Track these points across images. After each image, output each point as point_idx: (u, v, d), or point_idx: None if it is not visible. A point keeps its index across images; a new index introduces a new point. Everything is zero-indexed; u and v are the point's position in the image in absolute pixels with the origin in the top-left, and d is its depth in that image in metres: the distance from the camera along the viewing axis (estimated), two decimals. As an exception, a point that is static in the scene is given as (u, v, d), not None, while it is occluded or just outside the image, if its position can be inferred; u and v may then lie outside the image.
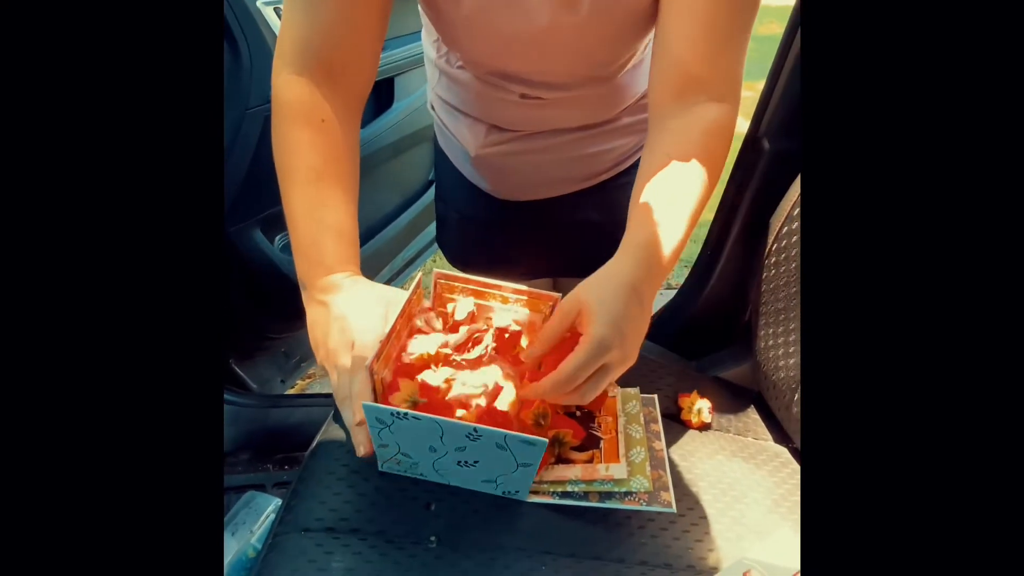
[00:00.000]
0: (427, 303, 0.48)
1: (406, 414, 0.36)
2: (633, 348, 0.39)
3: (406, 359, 0.42)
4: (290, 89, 0.44)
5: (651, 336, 0.68)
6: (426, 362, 0.42)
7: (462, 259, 0.84)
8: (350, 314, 0.40)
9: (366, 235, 1.17)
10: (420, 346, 0.42)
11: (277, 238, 1.01)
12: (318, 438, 0.49)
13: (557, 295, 0.57)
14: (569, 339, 0.40)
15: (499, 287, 0.56)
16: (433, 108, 0.72)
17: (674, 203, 0.43)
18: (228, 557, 0.66)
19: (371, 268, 1.22)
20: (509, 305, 0.57)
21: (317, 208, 0.43)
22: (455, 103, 0.66)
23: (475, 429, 0.36)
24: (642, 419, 0.47)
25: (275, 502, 0.74)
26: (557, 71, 0.56)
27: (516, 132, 0.64)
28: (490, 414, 0.40)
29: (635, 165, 0.72)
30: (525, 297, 0.56)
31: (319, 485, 0.44)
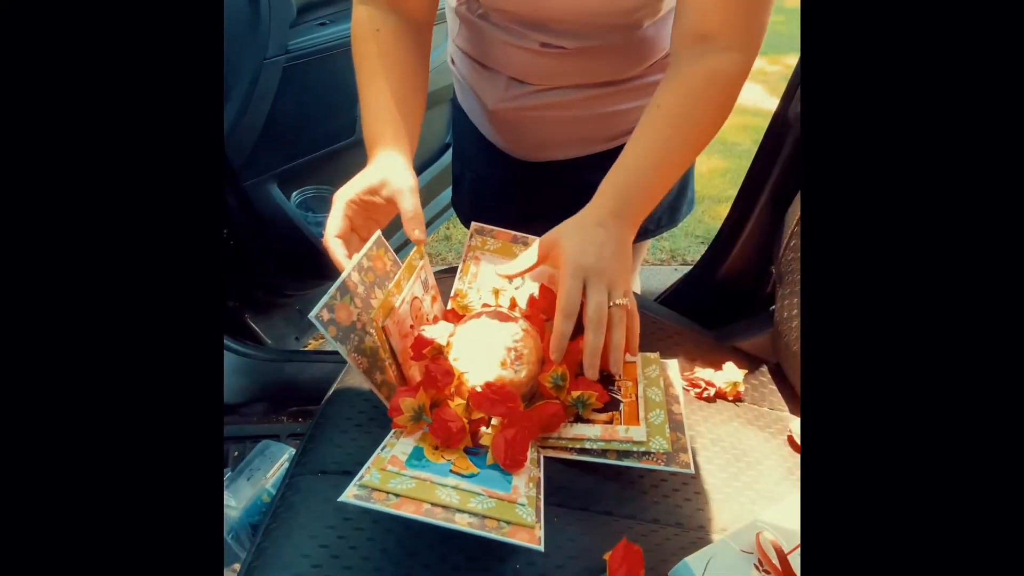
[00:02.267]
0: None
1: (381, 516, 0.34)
2: (607, 261, 0.44)
3: (424, 333, 0.44)
4: (357, 12, 0.54)
5: (669, 305, 0.67)
6: (438, 351, 0.44)
7: (476, 221, 0.83)
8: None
9: None
10: (434, 333, 0.44)
11: (294, 194, 1.00)
12: (335, 387, 0.50)
13: None
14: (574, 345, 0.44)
15: (525, 238, 0.57)
16: (453, 62, 0.70)
17: (650, 151, 0.48)
18: (243, 502, 0.68)
19: (386, 229, 1.21)
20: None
21: (363, 98, 0.54)
22: (475, 54, 0.63)
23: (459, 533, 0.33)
24: (661, 383, 0.47)
25: (289, 451, 0.75)
26: (580, 15, 0.53)
27: (535, 86, 0.61)
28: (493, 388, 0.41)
29: None
30: None
31: (336, 430, 0.44)
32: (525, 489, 0.37)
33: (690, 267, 0.82)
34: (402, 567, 0.35)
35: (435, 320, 0.50)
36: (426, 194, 1.30)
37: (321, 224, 1.12)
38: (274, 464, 0.74)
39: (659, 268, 1.77)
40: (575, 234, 0.46)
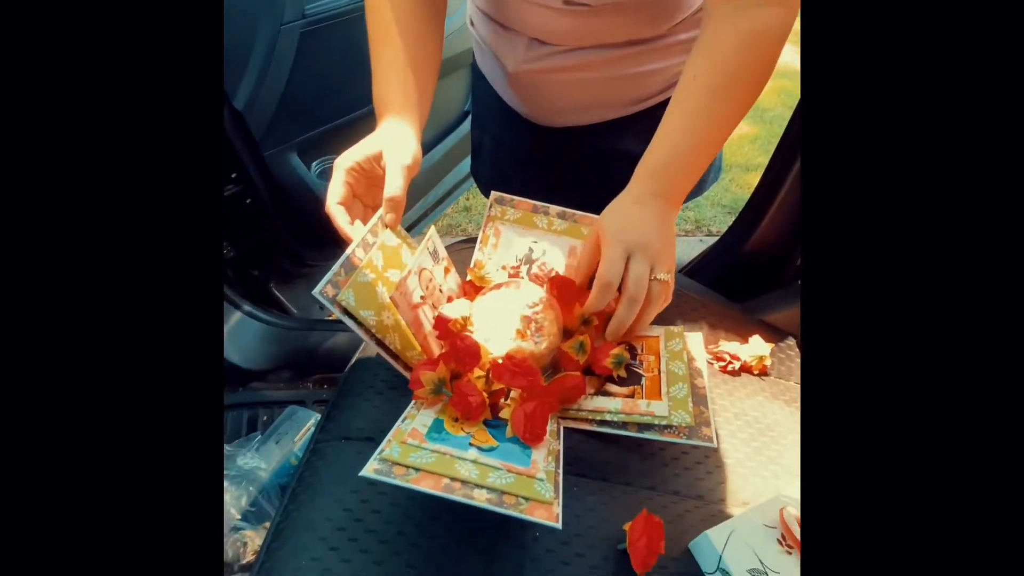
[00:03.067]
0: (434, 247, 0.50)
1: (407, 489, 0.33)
2: (651, 236, 0.44)
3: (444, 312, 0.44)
4: None
5: (694, 276, 0.65)
6: (462, 326, 0.44)
7: (495, 189, 0.82)
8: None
9: None
10: (453, 312, 0.44)
11: (314, 164, 1.00)
12: (357, 355, 0.50)
13: (596, 216, 0.56)
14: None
15: (546, 208, 0.56)
16: (472, 24, 0.67)
17: (687, 126, 0.46)
18: (272, 464, 0.71)
19: (414, 193, 1.20)
20: (549, 235, 0.56)
21: (374, 63, 0.53)
22: (494, 15, 0.61)
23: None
24: (685, 356, 0.46)
25: (314, 416, 0.78)
26: None
27: (557, 47, 0.59)
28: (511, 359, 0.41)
29: None
30: (567, 223, 0.56)
31: (359, 398, 0.45)
32: (544, 463, 0.37)
33: (716, 238, 0.80)
34: (424, 530, 0.36)
35: (452, 297, 0.50)
36: (444, 164, 1.28)
37: (341, 194, 1.12)
38: (301, 428, 0.76)
39: (684, 239, 1.73)
40: (615, 214, 0.46)
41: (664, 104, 0.66)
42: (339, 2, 0.90)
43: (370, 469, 0.32)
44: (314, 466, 0.40)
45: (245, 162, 0.89)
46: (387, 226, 0.47)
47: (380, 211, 0.47)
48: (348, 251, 0.43)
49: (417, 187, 1.22)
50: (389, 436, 0.35)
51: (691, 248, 1.66)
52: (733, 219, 0.77)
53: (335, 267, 0.41)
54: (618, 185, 0.81)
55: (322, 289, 0.39)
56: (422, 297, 0.45)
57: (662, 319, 0.50)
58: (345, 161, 0.47)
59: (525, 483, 0.34)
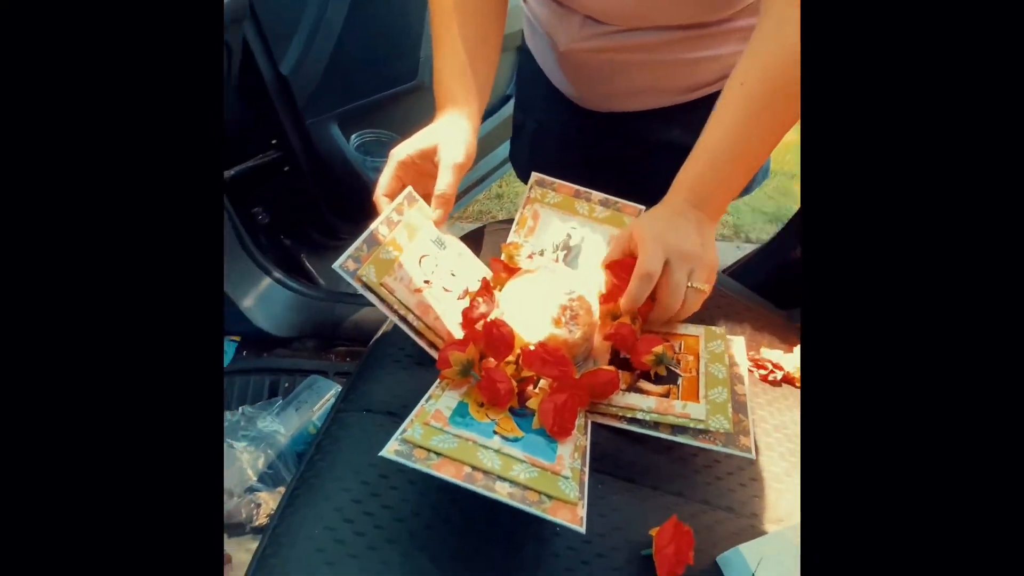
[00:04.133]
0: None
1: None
2: (691, 244, 0.42)
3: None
4: None
5: (736, 279, 0.62)
6: (487, 318, 0.43)
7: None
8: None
9: None
10: (480, 312, 0.43)
11: (353, 136, 1.00)
12: (383, 328, 0.49)
13: (640, 207, 0.53)
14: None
15: (588, 194, 0.54)
16: (526, 1, 0.65)
17: (730, 136, 0.44)
18: (291, 431, 0.71)
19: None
20: (589, 222, 0.54)
21: (437, 45, 0.52)
22: None
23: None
24: (726, 359, 0.43)
25: (335, 387, 0.78)
26: None
27: (613, 27, 0.56)
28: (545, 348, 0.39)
29: None
30: (609, 211, 0.53)
31: (382, 371, 0.44)
32: (570, 460, 0.35)
33: (754, 245, 0.76)
34: (440, 509, 0.34)
35: (472, 294, 0.47)
36: (482, 148, 1.26)
37: (378, 169, 1.11)
38: (321, 398, 0.76)
39: (721, 243, 1.68)
40: (654, 220, 0.44)
41: (716, 96, 0.63)
42: (391, -29, 0.89)
43: (391, 450, 0.31)
44: (334, 435, 0.39)
45: (287, 129, 0.89)
46: (435, 223, 0.47)
47: (407, 190, 0.47)
48: (371, 227, 0.42)
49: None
50: (412, 416, 0.34)
51: (728, 254, 1.60)
52: (773, 227, 0.73)
53: (357, 242, 0.40)
54: (661, 176, 0.77)
55: (343, 263, 0.39)
56: (426, 281, 0.44)
57: (701, 317, 0.47)
58: (400, 153, 0.47)
59: (549, 480, 0.33)
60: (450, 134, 0.48)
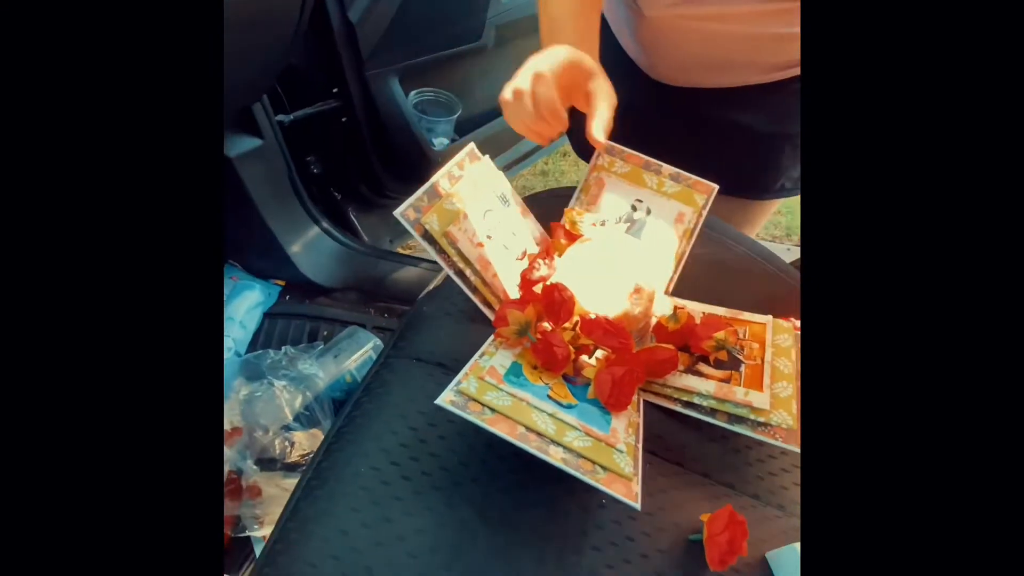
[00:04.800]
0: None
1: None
2: None
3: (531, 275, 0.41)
4: None
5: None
6: (546, 281, 0.41)
7: (592, 149, 0.77)
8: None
9: (484, 118, 1.11)
10: (541, 271, 0.42)
11: (412, 93, 0.99)
12: (434, 283, 0.49)
13: (714, 186, 0.51)
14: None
15: (659, 167, 0.51)
16: None
17: None
18: (328, 377, 0.72)
19: (496, 147, 1.17)
20: (657, 196, 0.51)
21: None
22: None
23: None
24: (793, 355, 0.41)
25: (374, 340, 0.78)
26: None
27: None
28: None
29: None
30: (680, 186, 0.51)
31: (433, 322, 0.43)
32: (624, 434, 0.33)
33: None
34: (488, 467, 0.34)
35: (531, 247, 0.46)
36: None
37: (433, 130, 1.10)
38: (359, 349, 0.77)
39: (771, 244, 1.61)
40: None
41: (795, 80, 0.59)
42: (468, -76, 0.86)
43: (446, 399, 0.30)
44: (384, 379, 0.39)
45: (348, 78, 0.88)
46: (597, 146, 0.46)
47: (469, 146, 0.45)
48: (433, 179, 0.41)
49: (502, 140, 1.18)
50: (466, 369, 0.33)
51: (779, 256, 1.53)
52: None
53: (419, 192, 0.39)
54: (730, 159, 0.73)
55: (404, 211, 0.38)
56: (488, 236, 0.42)
57: (762, 309, 0.45)
58: (545, 75, 0.43)
59: (603, 451, 0.31)
60: (600, 77, 0.45)
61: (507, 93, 0.43)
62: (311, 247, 0.93)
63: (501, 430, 0.30)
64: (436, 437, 0.35)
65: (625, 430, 0.34)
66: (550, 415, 0.32)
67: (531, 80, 0.42)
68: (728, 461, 0.39)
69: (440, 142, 1.06)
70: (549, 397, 0.34)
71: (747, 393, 0.38)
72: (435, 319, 0.43)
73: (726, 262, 0.52)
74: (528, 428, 0.31)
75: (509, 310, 0.36)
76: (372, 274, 0.93)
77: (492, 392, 0.32)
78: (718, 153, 0.68)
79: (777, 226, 1.67)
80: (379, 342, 0.78)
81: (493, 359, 0.35)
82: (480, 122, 1.10)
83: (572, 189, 0.53)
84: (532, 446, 0.30)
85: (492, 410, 0.31)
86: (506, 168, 1.26)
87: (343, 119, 0.94)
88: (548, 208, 0.54)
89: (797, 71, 0.58)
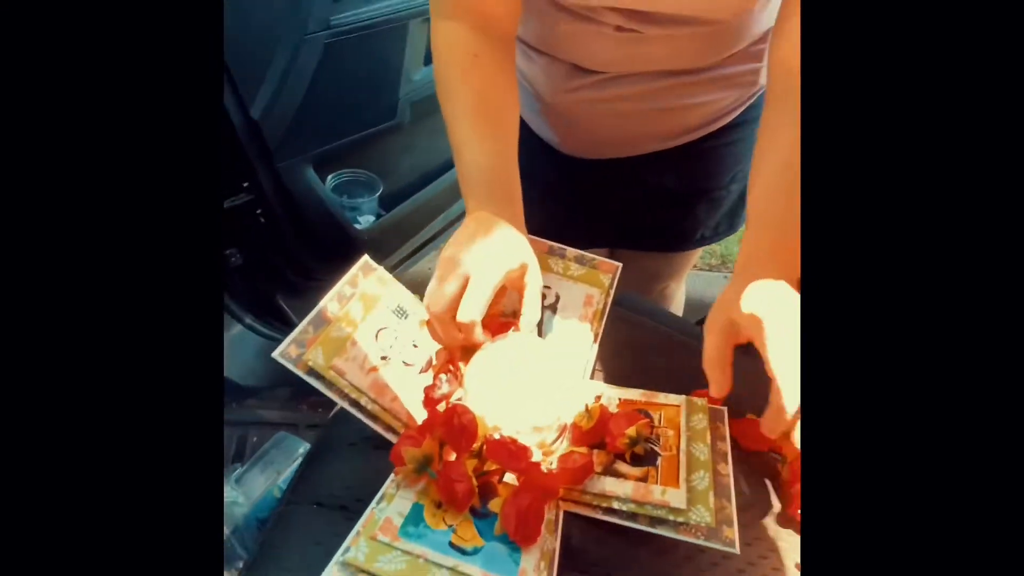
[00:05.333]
0: None
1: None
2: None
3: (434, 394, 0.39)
4: (445, 34, 0.46)
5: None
6: (449, 399, 0.40)
7: None
8: (467, 250, 0.39)
9: (409, 191, 1.10)
10: (443, 389, 0.40)
11: (329, 177, 0.98)
12: (335, 410, 0.46)
13: (617, 264, 0.51)
14: None
15: (562, 250, 0.51)
16: None
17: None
18: (253, 496, 0.66)
19: (427, 215, 1.16)
20: (564, 280, 0.51)
21: (466, 144, 0.44)
22: (533, 42, 0.57)
23: None
24: (708, 436, 0.40)
25: (305, 446, 0.73)
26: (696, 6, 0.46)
27: (602, 74, 0.54)
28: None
29: (728, 128, 0.62)
30: (585, 268, 0.51)
31: (336, 456, 0.40)
32: (535, 572, 0.31)
33: (724, 274, 0.74)
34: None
35: (435, 367, 0.43)
36: (453, 194, 1.22)
37: (356, 209, 1.09)
38: (289, 458, 0.72)
39: (707, 274, 1.66)
40: (784, 303, 0.35)
41: (704, 140, 0.62)
42: (366, 14, 0.88)
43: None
44: (278, 538, 0.35)
45: (258, 172, 0.86)
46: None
47: (363, 259, 0.42)
48: (319, 306, 0.38)
49: (432, 209, 1.17)
50: (358, 527, 0.30)
51: (713, 284, 1.59)
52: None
53: (302, 324, 0.37)
54: (648, 219, 0.75)
55: (284, 350, 0.35)
56: (383, 357, 0.40)
57: (678, 384, 0.44)
58: (439, 316, 0.39)
59: None
60: (488, 257, 0.39)
61: (435, 306, 0.38)
62: (234, 346, 0.89)
63: None
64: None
65: (537, 566, 0.32)
66: (450, 569, 0.30)
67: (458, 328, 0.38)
68: (658, 565, 0.37)
69: (366, 219, 1.05)
70: (452, 545, 0.31)
71: (664, 492, 0.37)
72: (337, 451, 0.40)
73: (639, 340, 0.52)
74: None
75: (404, 448, 0.34)
76: (302, 367, 0.89)
77: (384, 555, 0.29)
78: (636, 215, 0.70)
79: (712, 254, 1.74)
80: (309, 447, 0.73)
81: (391, 505, 0.33)
82: (407, 194, 1.10)
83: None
84: None
85: None
86: (439, 233, 1.25)
87: (258, 211, 0.92)
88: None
89: (701, 133, 0.61)
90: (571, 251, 0.52)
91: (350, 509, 0.37)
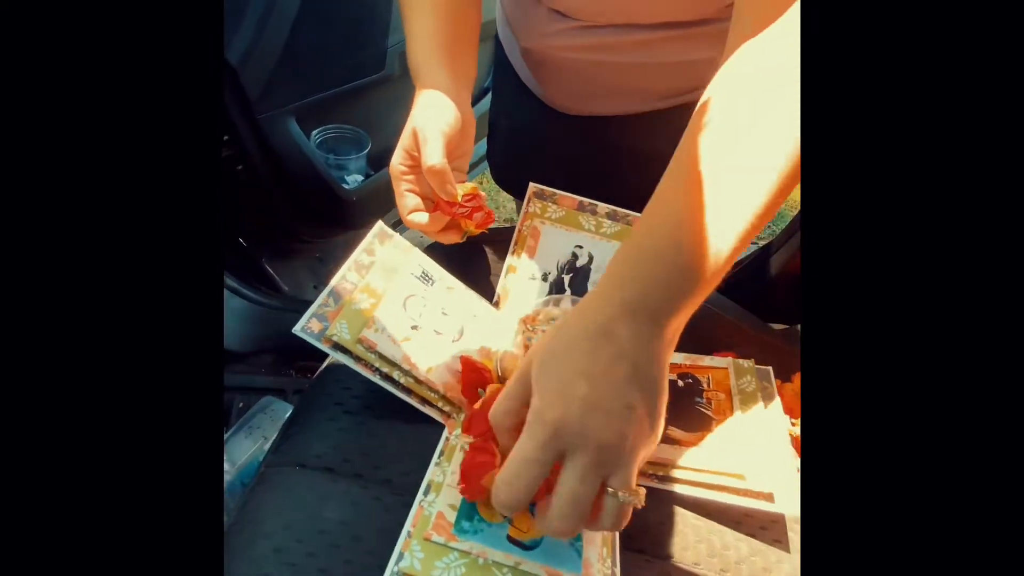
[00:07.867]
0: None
1: None
2: (600, 419, 0.24)
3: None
4: None
5: (728, 293, 0.57)
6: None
7: (507, 178, 0.74)
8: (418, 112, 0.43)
9: None
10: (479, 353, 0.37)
11: (314, 132, 0.92)
12: (326, 362, 0.43)
13: None
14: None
15: (593, 206, 0.48)
16: None
17: (685, 207, 0.27)
18: (239, 461, 0.64)
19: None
20: (597, 239, 0.48)
21: (408, 24, 0.46)
22: None
23: None
24: (759, 397, 0.38)
25: (292, 410, 0.71)
26: None
27: (580, 21, 0.50)
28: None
29: None
30: (619, 225, 0.48)
31: (323, 415, 0.37)
32: (599, 564, 0.29)
33: (757, 246, 0.71)
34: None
35: (474, 316, 0.40)
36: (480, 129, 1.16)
37: (343, 167, 1.04)
38: (275, 423, 0.69)
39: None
40: (558, 359, 0.25)
41: (693, 105, 0.57)
42: (352, -49, 0.81)
43: None
44: (255, 502, 0.33)
45: (237, 123, 0.81)
46: (445, 201, 0.42)
47: (377, 225, 0.40)
48: (337, 277, 0.35)
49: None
50: (408, 528, 0.28)
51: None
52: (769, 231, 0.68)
53: (321, 296, 0.34)
54: (638, 184, 0.71)
55: (306, 324, 0.32)
56: (413, 327, 0.37)
57: (699, 345, 0.42)
58: (395, 169, 0.43)
59: None
60: (424, 111, 0.42)
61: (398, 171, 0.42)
62: (217, 310, 0.85)
63: None
64: (306, 555, 0.29)
65: (600, 556, 0.29)
66: (511, 568, 0.27)
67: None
68: (715, 532, 0.35)
69: (354, 179, 1.00)
70: (509, 539, 0.29)
71: (721, 457, 0.34)
72: (323, 411, 0.37)
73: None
74: None
75: (484, 474, 0.28)
76: (289, 330, 0.86)
77: (441, 559, 0.27)
78: (625, 179, 0.66)
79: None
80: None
81: (441, 496, 0.30)
82: (396, 153, 1.05)
83: (510, 230, 0.49)
84: None
85: None
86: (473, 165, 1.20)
87: (239, 167, 0.86)
88: (489, 259, 0.49)
89: (694, 96, 0.56)
90: (602, 206, 0.49)
91: (337, 471, 0.34)
